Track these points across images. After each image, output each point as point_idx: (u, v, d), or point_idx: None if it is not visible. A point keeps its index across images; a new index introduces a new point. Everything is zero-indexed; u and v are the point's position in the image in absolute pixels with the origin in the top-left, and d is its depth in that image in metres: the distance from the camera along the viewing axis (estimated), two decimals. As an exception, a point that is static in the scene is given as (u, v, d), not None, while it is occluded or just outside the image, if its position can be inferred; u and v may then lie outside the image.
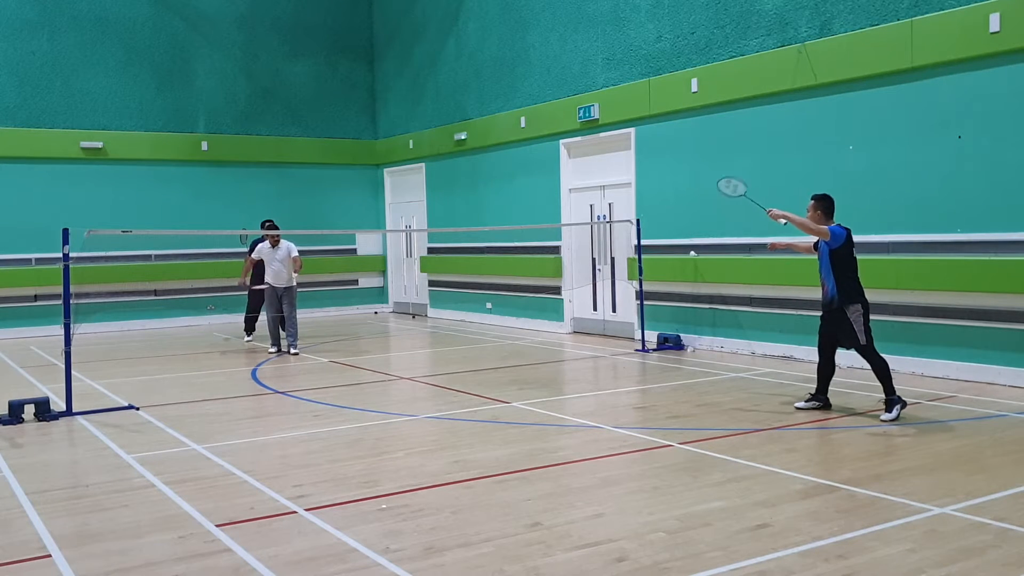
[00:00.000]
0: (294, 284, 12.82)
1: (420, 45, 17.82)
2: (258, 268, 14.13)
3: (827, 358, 7.77)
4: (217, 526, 4.95)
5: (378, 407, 8.62)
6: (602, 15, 13.31)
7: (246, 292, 12.68)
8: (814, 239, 7.77)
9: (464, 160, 16.72)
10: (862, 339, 7.42)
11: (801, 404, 7.85)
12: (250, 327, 14.32)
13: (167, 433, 7.49)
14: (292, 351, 12.59)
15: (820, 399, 7.80)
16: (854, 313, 7.43)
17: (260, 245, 12.86)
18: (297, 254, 12.72)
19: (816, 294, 10.38)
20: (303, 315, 14.47)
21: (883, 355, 7.49)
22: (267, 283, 12.70)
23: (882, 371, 7.41)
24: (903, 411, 7.34)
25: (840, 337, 7.60)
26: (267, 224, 14.04)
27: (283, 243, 12.76)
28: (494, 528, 4.83)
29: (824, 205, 7.68)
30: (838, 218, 7.73)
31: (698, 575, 4.11)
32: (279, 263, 12.64)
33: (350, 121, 19.21)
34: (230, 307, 16.92)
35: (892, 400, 7.34)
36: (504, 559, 4.37)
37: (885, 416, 7.29)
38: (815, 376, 7.92)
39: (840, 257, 7.48)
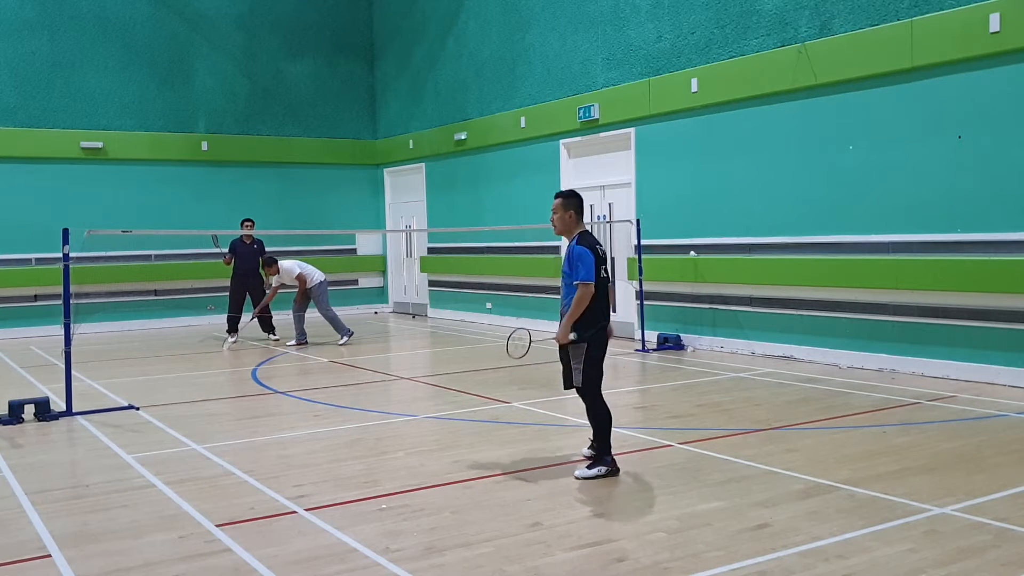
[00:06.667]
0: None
1: (420, 45, 17.82)
2: (236, 267, 14.18)
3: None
4: (217, 526, 4.95)
5: (378, 407, 8.62)
6: (602, 15, 13.31)
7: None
8: None
9: (464, 160, 16.72)
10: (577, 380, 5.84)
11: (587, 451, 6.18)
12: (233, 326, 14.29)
13: (167, 433, 7.49)
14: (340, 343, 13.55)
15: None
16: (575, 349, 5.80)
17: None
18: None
19: (815, 294, 10.48)
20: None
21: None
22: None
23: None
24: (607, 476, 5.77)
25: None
26: (246, 223, 14.20)
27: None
28: (494, 528, 4.83)
29: (575, 204, 6.02)
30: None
31: (698, 575, 4.12)
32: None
33: (350, 121, 19.20)
34: (228, 307, 16.87)
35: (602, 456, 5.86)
36: (504, 559, 4.37)
37: (579, 473, 5.79)
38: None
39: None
